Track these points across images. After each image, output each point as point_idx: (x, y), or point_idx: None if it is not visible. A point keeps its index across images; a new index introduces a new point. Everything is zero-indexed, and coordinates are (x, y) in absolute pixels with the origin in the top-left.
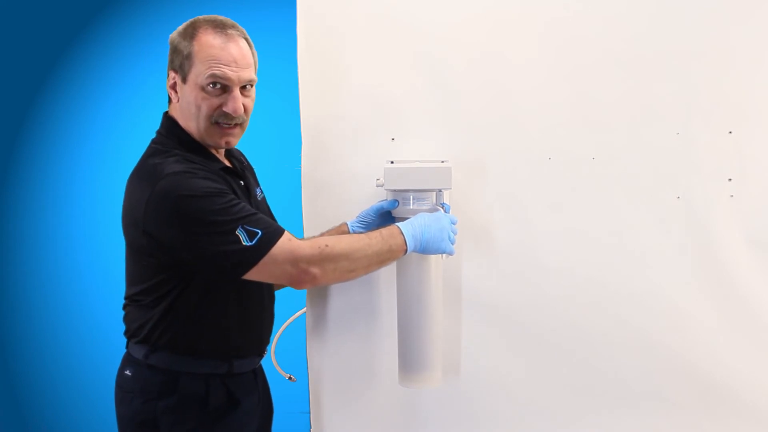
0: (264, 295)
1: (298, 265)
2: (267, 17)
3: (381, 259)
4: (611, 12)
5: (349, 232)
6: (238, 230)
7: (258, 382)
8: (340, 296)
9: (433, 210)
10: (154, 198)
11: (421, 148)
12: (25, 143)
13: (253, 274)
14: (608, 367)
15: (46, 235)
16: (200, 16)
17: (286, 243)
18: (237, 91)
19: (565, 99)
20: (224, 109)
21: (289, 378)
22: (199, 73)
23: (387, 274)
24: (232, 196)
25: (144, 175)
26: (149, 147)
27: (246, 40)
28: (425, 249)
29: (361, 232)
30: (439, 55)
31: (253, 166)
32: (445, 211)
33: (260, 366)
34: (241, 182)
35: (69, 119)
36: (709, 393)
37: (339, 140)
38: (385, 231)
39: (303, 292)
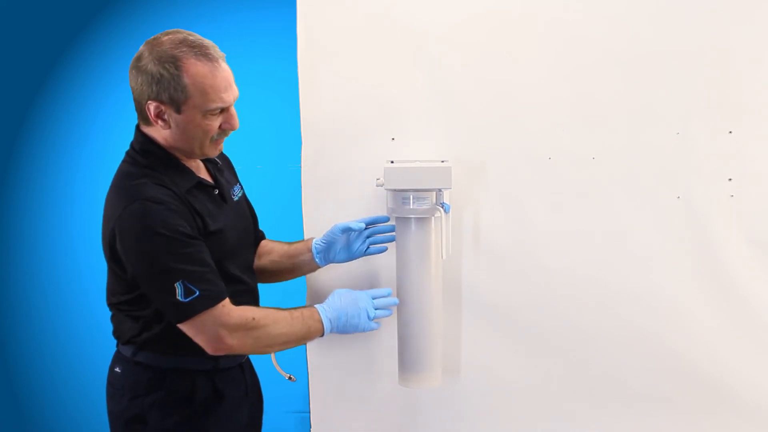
0: (249, 291)
1: (219, 332)
2: (267, 17)
3: (298, 339)
4: (611, 12)
5: (311, 251)
6: (177, 283)
7: (245, 375)
8: None
9: (433, 209)
10: (124, 217)
11: (421, 148)
12: (25, 143)
13: (181, 326)
14: (608, 366)
15: (46, 235)
16: (164, 38)
17: (217, 310)
18: (233, 108)
19: (565, 99)
20: (224, 127)
21: (289, 378)
22: (198, 103)
23: (387, 273)
24: (194, 244)
25: (120, 191)
26: (123, 162)
27: (223, 56)
28: (342, 331)
29: (322, 246)
30: (439, 55)
31: (253, 167)
32: (445, 211)
33: (247, 359)
34: (216, 191)
35: (69, 119)
36: (709, 393)
37: (339, 140)
38: (306, 312)
39: (303, 292)
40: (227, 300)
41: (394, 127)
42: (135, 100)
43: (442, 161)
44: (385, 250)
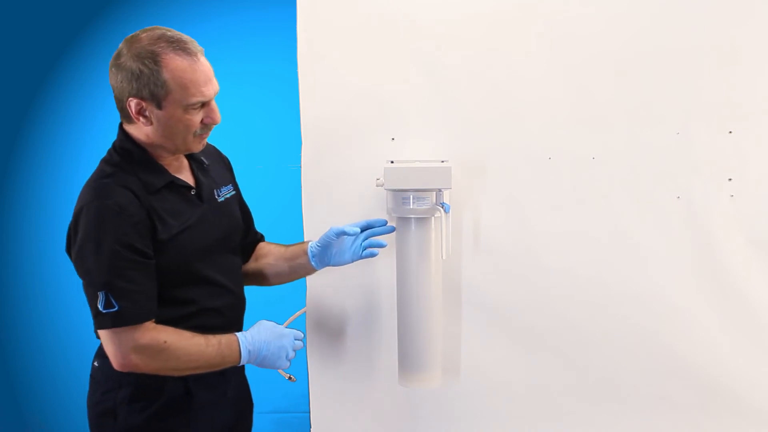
0: (228, 293)
1: (126, 351)
2: (267, 17)
3: (210, 365)
4: (611, 12)
5: (307, 250)
6: (101, 293)
7: (226, 378)
8: (340, 296)
9: (433, 209)
10: (82, 213)
11: (421, 147)
12: (25, 143)
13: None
14: (608, 366)
15: (45, 235)
16: (142, 35)
17: (131, 330)
18: (214, 102)
19: (565, 99)
20: (206, 121)
21: (289, 378)
22: (179, 98)
23: (387, 273)
24: (135, 261)
25: (87, 188)
26: (101, 160)
27: (201, 51)
28: (259, 364)
29: (318, 250)
30: (439, 55)
31: (253, 167)
32: (445, 211)
33: None
34: (193, 191)
35: (69, 119)
36: (709, 393)
37: (339, 140)
38: (224, 340)
39: (303, 292)
40: (149, 323)
41: (394, 127)
42: (116, 98)
43: (442, 161)
44: (376, 254)
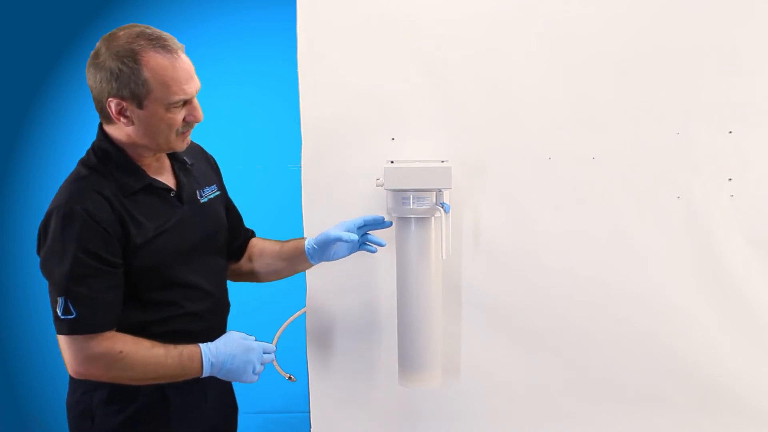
0: (209, 297)
1: (81, 359)
2: (267, 17)
3: (171, 376)
4: (611, 12)
5: (304, 250)
6: (61, 298)
7: (202, 383)
8: (340, 296)
9: (433, 209)
10: (53, 215)
11: (421, 148)
12: (25, 143)
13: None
14: (608, 366)
15: None
16: (120, 33)
17: (87, 339)
18: (196, 100)
19: (565, 99)
20: (188, 119)
21: (289, 378)
22: (160, 96)
23: (387, 273)
24: (99, 270)
25: (62, 189)
26: (79, 160)
27: (182, 48)
28: (225, 377)
29: (315, 250)
30: (439, 55)
31: (253, 167)
32: (445, 211)
33: None
34: (172, 193)
35: (69, 119)
36: (709, 393)
37: (339, 140)
38: (186, 352)
39: (303, 292)
40: (108, 333)
41: (394, 127)
42: (95, 98)
43: (442, 161)
44: (375, 251)
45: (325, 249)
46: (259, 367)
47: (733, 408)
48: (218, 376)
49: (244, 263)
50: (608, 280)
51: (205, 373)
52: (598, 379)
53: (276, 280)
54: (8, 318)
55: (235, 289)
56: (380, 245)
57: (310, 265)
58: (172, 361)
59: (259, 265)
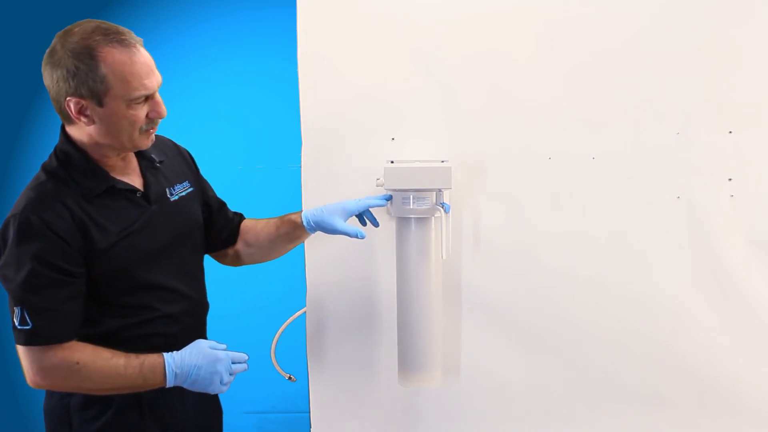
0: (185, 299)
1: (37, 370)
2: (267, 17)
3: (132, 386)
4: (611, 12)
5: (303, 227)
6: (18, 308)
7: (177, 388)
8: (340, 296)
9: (433, 209)
10: (10, 222)
11: (421, 148)
12: (25, 143)
13: None
14: (607, 366)
15: None
16: (75, 29)
17: (42, 350)
18: (159, 95)
19: (565, 99)
20: (151, 116)
21: (289, 378)
22: (120, 93)
23: (387, 273)
24: (56, 280)
25: (22, 195)
26: (43, 164)
27: (140, 41)
28: (191, 387)
29: (313, 226)
30: (439, 55)
31: (253, 167)
32: (445, 211)
33: None
34: (139, 193)
35: None
36: (709, 393)
37: (339, 140)
38: (148, 362)
39: (303, 292)
40: (67, 343)
41: (394, 127)
42: (53, 99)
43: (442, 161)
44: (364, 236)
45: (324, 227)
46: (227, 378)
47: (733, 408)
48: (185, 387)
49: (241, 248)
50: (608, 280)
51: (169, 384)
52: (598, 379)
53: (273, 259)
54: (8, 318)
55: (234, 289)
56: (375, 225)
57: (307, 236)
58: (133, 371)
59: (255, 250)
